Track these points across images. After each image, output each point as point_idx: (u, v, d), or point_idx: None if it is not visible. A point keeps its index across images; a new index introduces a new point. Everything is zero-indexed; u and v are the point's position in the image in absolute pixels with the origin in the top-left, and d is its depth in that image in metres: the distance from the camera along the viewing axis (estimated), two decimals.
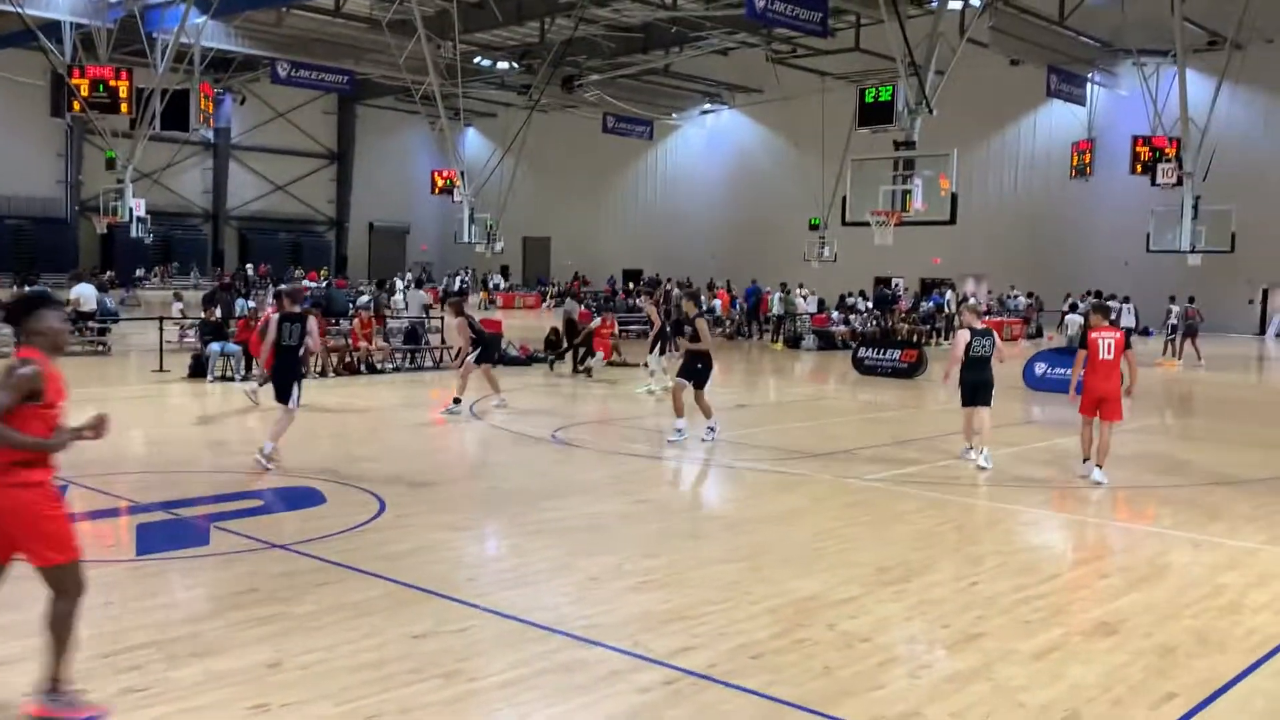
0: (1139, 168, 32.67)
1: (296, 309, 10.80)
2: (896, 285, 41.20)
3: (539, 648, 5.68)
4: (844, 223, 26.74)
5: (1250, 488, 10.80)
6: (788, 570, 7.31)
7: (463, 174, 35.86)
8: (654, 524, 8.75)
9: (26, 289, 27.25)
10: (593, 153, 53.14)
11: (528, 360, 22.07)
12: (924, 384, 20.63)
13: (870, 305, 35.16)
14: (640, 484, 10.60)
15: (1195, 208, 31.00)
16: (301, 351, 10.88)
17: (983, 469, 11.21)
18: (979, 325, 11.88)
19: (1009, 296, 39.21)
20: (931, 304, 35.13)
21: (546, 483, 10.41)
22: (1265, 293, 38.97)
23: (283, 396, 10.58)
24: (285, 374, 10.67)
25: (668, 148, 54.18)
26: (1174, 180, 31.09)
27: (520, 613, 6.22)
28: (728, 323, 34.21)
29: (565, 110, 48.38)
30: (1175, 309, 28.72)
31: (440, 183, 45.05)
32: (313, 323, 10.80)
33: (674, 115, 50.32)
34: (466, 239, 36.17)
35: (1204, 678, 5.51)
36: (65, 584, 4.65)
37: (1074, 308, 31.21)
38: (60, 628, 4.64)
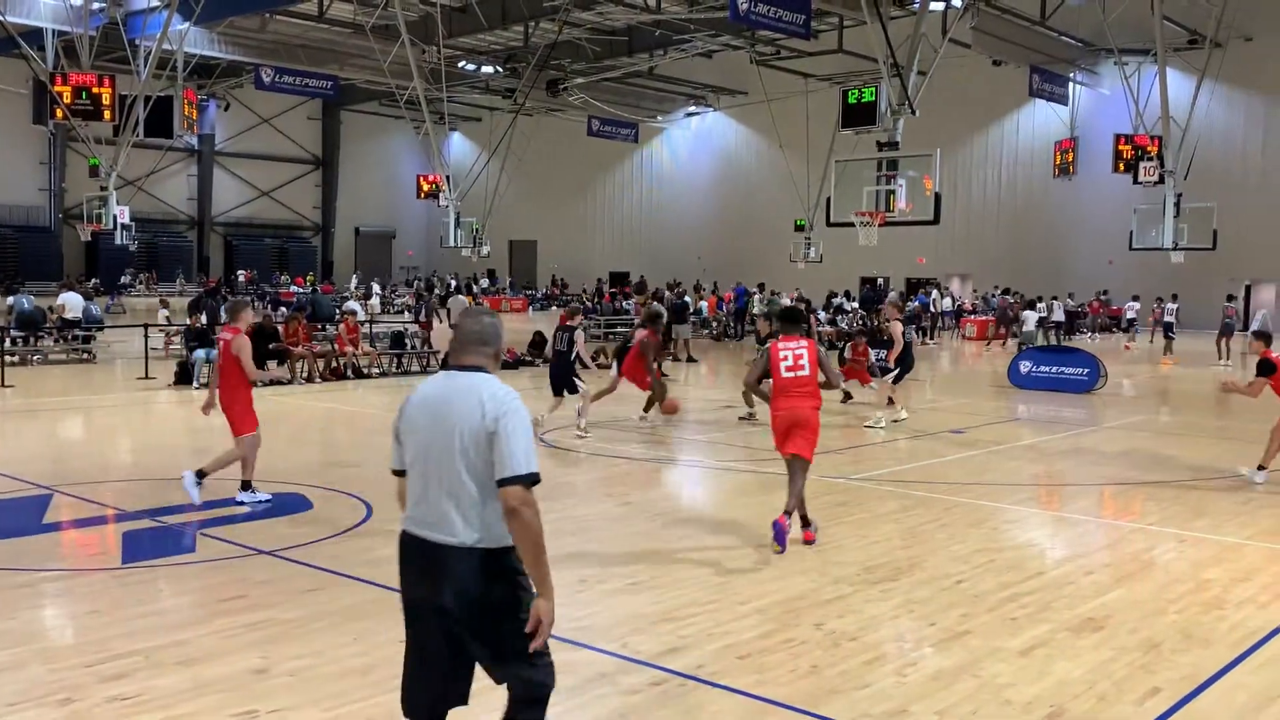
0: (1121, 166, 32.83)
1: (570, 322, 13.83)
2: (881, 284, 41.32)
3: None
4: (829, 224, 26.71)
5: (1234, 483, 10.87)
6: (775, 570, 7.33)
7: (448, 178, 35.70)
8: (642, 526, 8.75)
9: (9, 299, 27.14)
10: (578, 156, 53.15)
11: (515, 363, 22.07)
12: (909, 383, 20.62)
13: (856, 305, 35.28)
14: (628, 486, 10.61)
15: (1177, 205, 31.21)
16: (572, 356, 13.45)
17: (883, 429, 14.27)
18: (900, 316, 15.80)
19: (992, 295, 39.37)
20: (917, 303, 35.22)
21: None
22: (1248, 289, 39.19)
23: (571, 389, 13.38)
24: (564, 372, 13.45)
25: (653, 150, 54.20)
26: (1156, 178, 31.29)
27: None
28: (714, 324, 34.40)
29: (550, 113, 48.36)
30: (1170, 305, 29.10)
31: (426, 187, 44.95)
32: (579, 333, 13.50)
33: (659, 118, 50.37)
34: (453, 243, 36.04)
35: (1188, 673, 5.55)
36: (806, 470, 8.00)
37: (1031, 304, 31.18)
38: (800, 485, 7.91)
